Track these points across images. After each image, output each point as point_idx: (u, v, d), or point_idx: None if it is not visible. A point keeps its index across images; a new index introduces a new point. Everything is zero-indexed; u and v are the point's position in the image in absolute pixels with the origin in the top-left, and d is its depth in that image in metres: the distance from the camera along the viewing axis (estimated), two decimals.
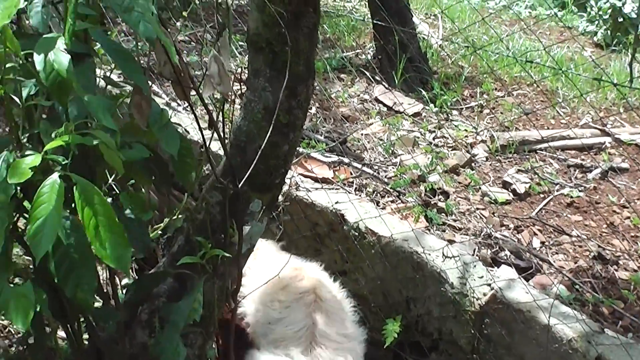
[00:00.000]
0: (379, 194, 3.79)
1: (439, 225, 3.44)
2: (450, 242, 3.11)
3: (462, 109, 5.11)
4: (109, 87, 1.95)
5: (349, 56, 5.81)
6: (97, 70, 1.75)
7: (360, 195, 3.53)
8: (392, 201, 3.75)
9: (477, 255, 3.10)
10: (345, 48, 5.99)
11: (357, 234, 2.86)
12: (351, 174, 3.85)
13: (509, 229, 3.55)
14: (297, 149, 4.00)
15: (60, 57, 1.32)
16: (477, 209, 3.77)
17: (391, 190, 3.80)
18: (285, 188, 3.12)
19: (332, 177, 3.66)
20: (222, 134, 2.10)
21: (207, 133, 2.01)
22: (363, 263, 2.84)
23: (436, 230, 3.38)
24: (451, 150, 4.47)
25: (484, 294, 2.55)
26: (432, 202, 3.68)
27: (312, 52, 2.20)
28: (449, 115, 4.84)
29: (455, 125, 4.88)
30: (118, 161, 1.53)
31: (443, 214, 3.59)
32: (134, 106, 1.76)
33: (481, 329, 2.56)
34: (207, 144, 1.89)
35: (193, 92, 1.90)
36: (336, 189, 3.17)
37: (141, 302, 2.14)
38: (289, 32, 2.04)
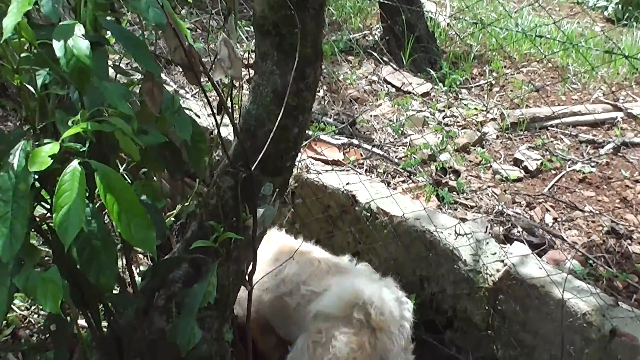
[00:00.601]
0: (389, 175, 3.80)
1: (451, 204, 3.45)
2: (463, 220, 3.12)
3: (472, 87, 5.09)
4: (118, 75, 1.97)
5: (356, 38, 5.79)
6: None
7: (371, 177, 3.54)
8: (403, 181, 3.75)
9: (489, 232, 3.10)
10: (352, 30, 5.96)
11: (369, 214, 2.87)
12: (361, 155, 3.86)
13: (521, 206, 3.55)
14: (307, 131, 4.02)
15: (80, 43, 1.34)
16: (489, 186, 3.77)
17: (402, 170, 3.80)
18: (295, 171, 3.14)
19: (343, 159, 3.67)
20: (232, 118, 2.11)
21: (218, 119, 2.02)
22: (376, 244, 2.85)
23: (448, 209, 3.38)
24: (461, 129, 4.47)
25: (497, 271, 2.56)
26: (444, 181, 3.68)
27: (319, 34, 2.20)
28: (459, 94, 4.82)
29: (465, 104, 4.87)
30: (134, 148, 1.55)
31: (454, 192, 3.60)
32: (146, 93, 1.77)
33: (495, 306, 2.57)
34: (218, 129, 1.90)
35: (202, 78, 1.90)
36: (347, 170, 3.18)
37: (157, 289, 2.17)
38: (295, 14, 2.04)
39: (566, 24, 5.77)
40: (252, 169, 2.11)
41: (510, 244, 2.96)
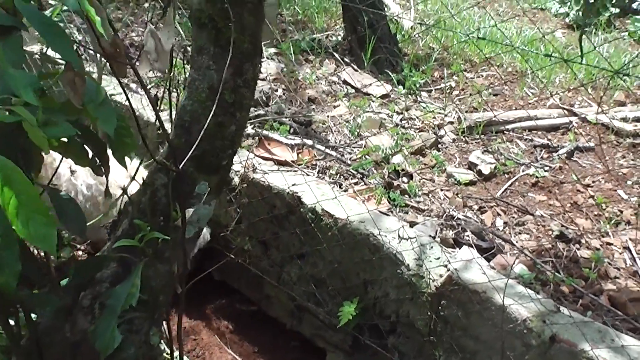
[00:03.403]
0: (342, 176, 3.74)
1: (402, 207, 3.40)
2: (412, 224, 3.08)
3: (432, 90, 5.07)
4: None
5: (319, 38, 5.73)
6: (35, 47, 1.67)
7: (323, 178, 3.48)
8: (356, 183, 3.70)
9: (438, 236, 3.07)
10: (316, 30, 5.91)
11: (314, 216, 2.81)
12: (315, 156, 3.80)
13: (473, 210, 3.53)
14: (260, 130, 3.95)
15: None
16: (442, 190, 3.74)
17: (355, 172, 3.75)
18: (241, 170, 3.06)
19: (295, 160, 3.60)
20: (170, 112, 2.04)
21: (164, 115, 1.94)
22: (321, 246, 2.79)
23: (399, 213, 3.34)
24: (418, 132, 4.44)
25: (440, 276, 2.51)
26: (395, 184, 3.64)
27: (258, 29, 2.13)
28: (418, 97, 4.79)
29: (424, 107, 4.85)
30: (42, 139, 1.46)
31: (406, 195, 3.56)
32: (66, 83, 1.67)
33: (438, 311, 2.53)
34: (160, 122, 1.81)
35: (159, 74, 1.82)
36: (294, 171, 3.11)
37: (83, 288, 2.07)
38: (232, 8, 1.97)
39: (527, 30, 5.80)
40: (183, 166, 2.02)
41: (459, 248, 2.93)
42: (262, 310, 3.30)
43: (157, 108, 1.93)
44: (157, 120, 1.79)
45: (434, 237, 2.99)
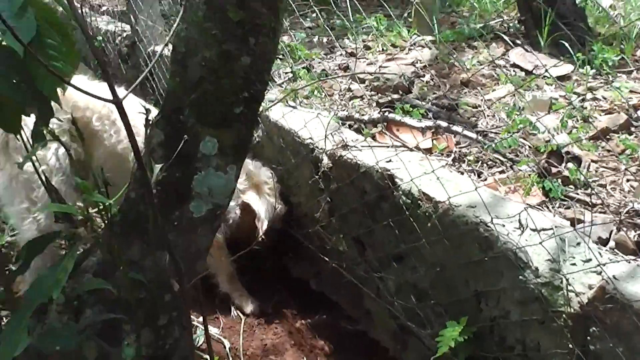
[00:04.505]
0: (484, 164, 2.89)
1: (562, 200, 2.46)
2: (577, 222, 2.15)
3: (632, 71, 3.88)
4: None
5: (488, 24, 4.87)
6: None
7: (459, 167, 2.69)
8: (502, 172, 2.82)
9: (613, 239, 2.09)
10: (487, 16, 5.05)
11: (409, 201, 2.05)
12: (458, 143, 3.00)
13: None
14: (387, 114, 3.25)
15: None
16: (628, 180, 2.69)
17: (502, 159, 2.87)
18: (330, 147, 2.41)
19: (430, 148, 2.85)
20: None
21: None
22: (419, 242, 2.02)
23: (558, 208, 2.41)
24: (604, 114, 3.36)
25: (590, 287, 1.59)
26: (555, 171, 2.68)
27: None
28: (611, 78, 3.68)
29: (617, 88, 3.68)
30: None
31: (571, 186, 2.59)
32: None
33: (585, 343, 1.60)
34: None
35: None
36: (387, 146, 2.38)
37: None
38: None
39: None
40: (179, 116, 1.46)
41: None
42: (365, 330, 2.57)
43: None
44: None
45: (607, 240, 2.04)
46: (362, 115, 3.30)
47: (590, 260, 1.66)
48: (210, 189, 1.62)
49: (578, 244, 1.72)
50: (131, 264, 1.62)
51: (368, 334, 2.53)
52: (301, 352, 2.54)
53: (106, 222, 1.44)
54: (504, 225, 1.77)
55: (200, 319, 1.90)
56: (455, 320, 1.92)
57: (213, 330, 2.52)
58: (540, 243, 1.65)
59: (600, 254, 1.69)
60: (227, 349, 2.39)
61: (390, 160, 2.18)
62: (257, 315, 2.70)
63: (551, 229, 1.74)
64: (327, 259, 2.58)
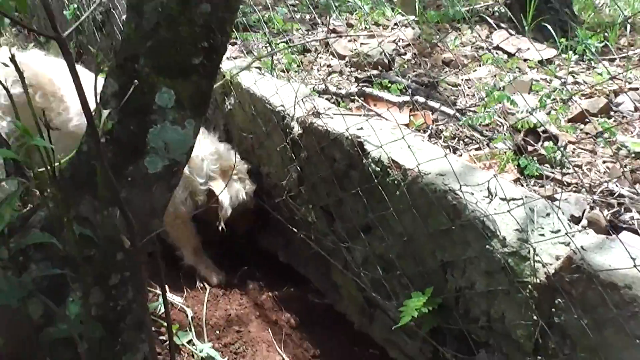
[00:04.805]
0: (461, 141, 2.84)
1: (537, 177, 2.42)
2: (550, 199, 2.11)
3: (616, 59, 3.85)
4: None
5: (476, 8, 4.81)
6: None
7: (436, 143, 2.64)
8: (478, 149, 2.77)
9: (586, 217, 2.05)
10: (474, 1, 4.98)
11: (379, 169, 1.98)
12: (436, 120, 2.94)
13: None
14: (365, 89, 3.19)
15: None
16: (605, 161, 2.66)
17: (480, 137, 2.83)
18: (301, 114, 2.34)
19: (407, 124, 2.80)
20: None
21: None
22: (387, 211, 1.96)
23: (533, 185, 2.38)
24: (584, 98, 3.34)
25: (557, 258, 1.55)
26: (531, 149, 2.63)
27: None
28: (593, 63, 3.64)
29: (599, 74, 3.65)
30: None
31: (547, 165, 2.55)
32: None
33: (550, 315, 1.56)
34: None
35: None
36: (359, 114, 2.32)
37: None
38: None
39: None
40: (133, 65, 1.37)
41: (617, 234, 1.88)
42: (331, 304, 2.52)
43: None
44: None
45: (580, 219, 2.00)
46: (340, 89, 3.23)
47: (559, 231, 1.61)
48: (166, 144, 1.54)
49: (548, 214, 1.67)
50: (81, 220, 1.54)
51: (335, 307, 2.48)
52: (266, 324, 2.47)
53: (52, 173, 1.36)
54: (472, 194, 1.72)
55: (164, 291, 1.81)
56: (421, 291, 1.87)
57: (176, 300, 2.45)
58: (509, 211, 1.60)
59: (570, 226, 1.64)
60: (190, 317, 2.32)
61: (361, 128, 2.12)
62: (223, 286, 2.63)
63: (521, 199, 1.69)
64: (295, 230, 2.52)
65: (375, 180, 1.97)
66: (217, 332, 2.35)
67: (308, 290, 2.67)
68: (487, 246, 1.65)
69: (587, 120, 3.02)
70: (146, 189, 1.57)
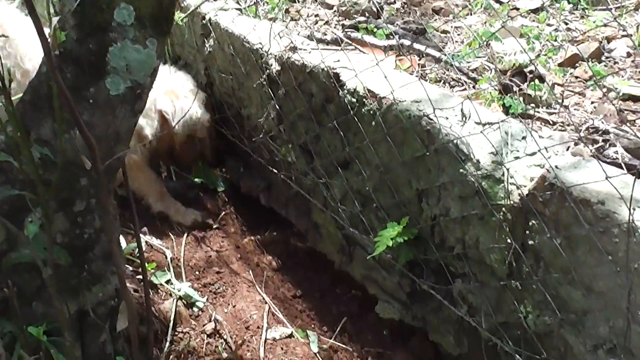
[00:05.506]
0: (447, 84, 2.78)
1: (523, 116, 2.37)
2: (528, 117, 2.09)
3: (612, 9, 3.75)
4: None
5: None
6: None
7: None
8: (463, 90, 2.72)
9: (570, 152, 2.01)
10: None
11: (355, 100, 1.94)
12: (423, 66, 2.88)
13: (636, 126, 2.37)
14: (351, 34, 3.12)
15: None
16: (592, 102, 2.61)
17: (466, 80, 2.77)
18: (277, 50, 2.28)
19: (394, 68, 2.73)
20: None
21: None
22: (363, 143, 1.92)
23: None
24: (575, 44, 3.27)
25: (532, 180, 1.51)
26: (517, 89, 2.58)
27: None
28: (588, 11, 3.56)
29: (593, 22, 3.57)
30: None
31: (532, 105, 2.50)
32: None
33: (524, 238, 1.53)
34: None
35: None
36: (337, 49, 2.26)
37: None
38: None
39: None
40: None
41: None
42: (313, 247, 2.49)
43: None
44: None
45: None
46: (325, 35, 3.15)
47: (534, 153, 1.57)
48: (128, 64, 1.49)
49: (524, 137, 1.63)
50: (42, 143, 1.50)
51: (316, 248, 2.45)
52: (247, 266, 2.46)
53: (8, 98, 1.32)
54: (447, 118, 1.67)
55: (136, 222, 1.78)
56: (397, 222, 1.84)
57: (155, 241, 2.42)
58: (481, 132, 1.56)
59: (546, 149, 1.60)
60: (169, 258, 2.30)
61: (338, 60, 2.06)
62: (200, 225, 2.60)
63: (496, 123, 1.64)
64: (276, 171, 2.48)
65: (352, 112, 1.93)
66: (197, 272, 2.33)
67: (290, 234, 2.64)
68: (461, 170, 1.61)
69: (577, 65, 2.96)
70: (109, 111, 1.52)
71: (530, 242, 1.52)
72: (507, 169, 1.52)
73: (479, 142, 1.60)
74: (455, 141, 1.61)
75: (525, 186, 1.52)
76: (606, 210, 1.34)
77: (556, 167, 1.46)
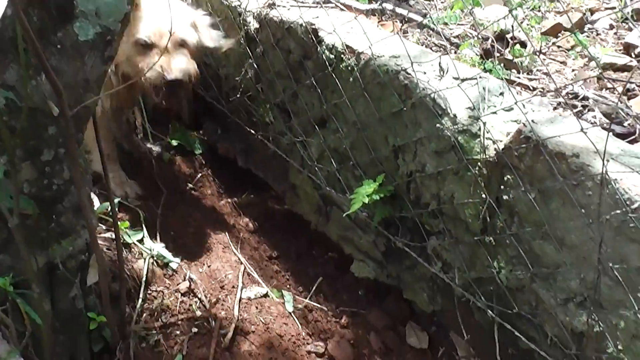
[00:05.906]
0: (430, 49, 2.76)
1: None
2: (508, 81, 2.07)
3: None
4: None
5: None
6: None
7: None
8: (445, 54, 2.70)
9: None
10: None
11: (333, 56, 1.90)
12: (406, 32, 2.85)
13: (615, 94, 2.37)
14: None
15: None
16: (573, 70, 2.62)
17: (446, 44, 2.75)
18: (255, 7, 2.23)
19: None
20: None
21: None
22: (340, 100, 1.89)
23: None
24: (558, 15, 3.27)
25: (508, 135, 1.50)
26: (500, 55, 2.57)
27: None
28: None
29: None
30: None
31: (513, 70, 2.50)
32: None
33: (499, 193, 1.52)
34: None
35: None
36: (316, 5, 2.22)
37: None
38: None
39: None
40: None
41: None
42: (290, 209, 2.47)
43: None
44: None
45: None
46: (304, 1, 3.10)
47: (512, 109, 1.56)
48: (97, 9, 1.44)
49: (501, 93, 1.61)
50: (7, 88, 1.45)
51: (293, 210, 2.44)
52: (223, 228, 2.43)
53: None
54: (424, 73, 1.65)
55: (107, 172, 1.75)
56: (373, 180, 1.82)
57: (130, 200, 2.39)
58: (458, 85, 1.54)
59: (523, 105, 1.58)
60: (142, 217, 2.27)
61: (317, 17, 2.02)
62: (179, 191, 2.56)
63: (474, 78, 1.63)
64: (253, 132, 2.45)
65: (330, 68, 1.90)
66: (172, 232, 2.31)
67: (268, 196, 2.62)
68: (438, 125, 1.60)
69: (559, 34, 2.96)
70: (77, 57, 1.47)
71: (505, 197, 1.51)
72: (484, 123, 1.51)
73: (457, 97, 1.59)
74: (432, 95, 1.59)
75: (501, 141, 1.51)
76: (580, 163, 1.34)
77: (532, 121, 1.45)
